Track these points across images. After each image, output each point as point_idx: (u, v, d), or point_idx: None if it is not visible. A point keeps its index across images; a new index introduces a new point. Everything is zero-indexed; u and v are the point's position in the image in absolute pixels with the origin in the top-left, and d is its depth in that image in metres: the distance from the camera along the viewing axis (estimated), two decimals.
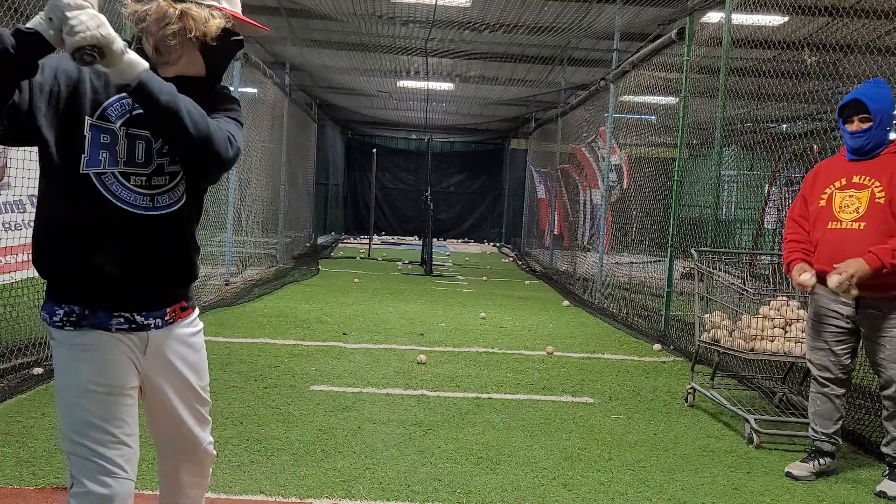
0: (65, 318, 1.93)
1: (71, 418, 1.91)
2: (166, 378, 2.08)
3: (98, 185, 1.90)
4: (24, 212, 5.60)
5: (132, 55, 1.77)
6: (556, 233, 14.86)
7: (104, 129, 1.91)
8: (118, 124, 1.93)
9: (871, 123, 3.70)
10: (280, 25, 11.35)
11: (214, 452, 2.28)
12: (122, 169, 1.92)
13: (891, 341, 3.64)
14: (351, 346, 6.49)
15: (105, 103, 1.93)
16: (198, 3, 1.97)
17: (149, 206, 1.95)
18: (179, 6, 1.94)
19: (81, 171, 1.89)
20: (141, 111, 1.90)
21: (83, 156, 1.89)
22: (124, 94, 1.93)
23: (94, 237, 1.91)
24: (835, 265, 3.64)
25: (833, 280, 3.58)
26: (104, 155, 1.91)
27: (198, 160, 1.93)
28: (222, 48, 2.03)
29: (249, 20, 2.08)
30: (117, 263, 1.93)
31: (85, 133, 1.89)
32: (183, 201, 2.02)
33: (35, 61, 1.72)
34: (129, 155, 1.93)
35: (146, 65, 1.81)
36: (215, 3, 2.01)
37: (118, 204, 1.91)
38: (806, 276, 3.82)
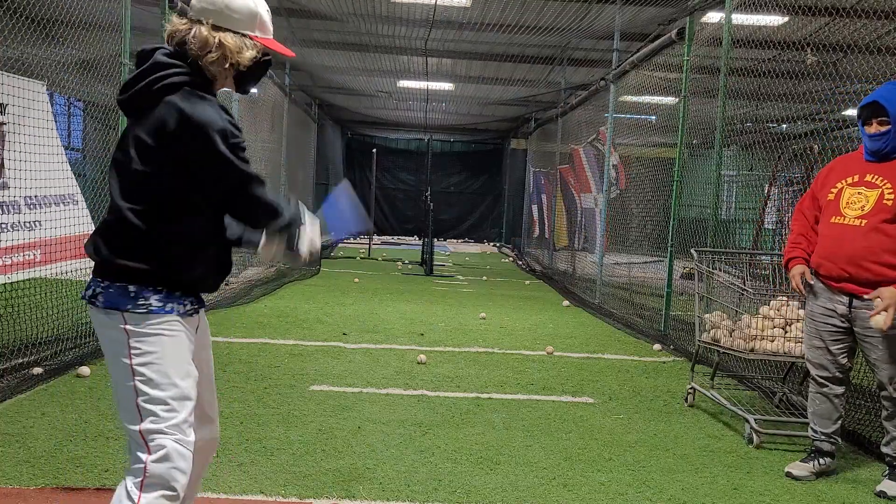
0: (178, 304, 2.18)
1: (163, 393, 2.11)
2: (205, 350, 2.38)
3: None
4: (19, 213, 5.60)
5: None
6: (545, 236, 14.89)
7: None
8: None
9: (889, 126, 3.65)
10: (280, 25, 11.34)
11: (218, 438, 2.54)
12: None
13: (883, 342, 3.64)
14: (351, 346, 6.49)
15: None
16: (234, 32, 2.18)
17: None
18: (218, 35, 2.15)
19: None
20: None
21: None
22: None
23: (216, 245, 2.28)
24: (869, 296, 3.60)
25: (879, 321, 3.53)
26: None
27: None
28: (252, 71, 2.27)
29: (279, 47, 2.31)
30: (225, 268, 2.32)
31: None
32: None
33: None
34: None
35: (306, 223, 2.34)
36: (250, 33, 2.22)
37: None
38: (800, 282, 3.87)
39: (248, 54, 2.20)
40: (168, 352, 2.14)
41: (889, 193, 3.64)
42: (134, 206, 2.11)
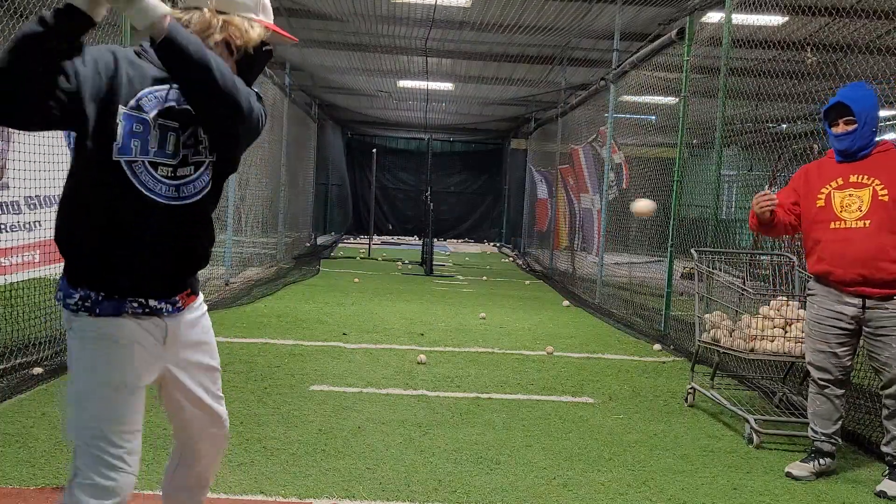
0: (80, 303, 1.96)
1: (83, 411, 1.96)
2: (186, 364, 2.15)
3: (128, 173, 1.94)
4: (19, 213, 5.59)
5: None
6: (549, 230, 14.84)
7: (137, 118, 1.96)
8: (152, 115, 1.97)
9: (856, 125, 3.72)
10: (280, 25, 11.30)
11: (228, 426, 2.34)
12: (151, 158, 1.97)
13: None
14: (351, 346, 6.49)
15: (140, 93, 1.97)
16: (238, 15, 2.07)
17: (174, 195, 2.01)
18: (222, 17, 2.04)
19: (113, 159, 1.93)
20: (173, 103, 1.98)
21: (115, 143, 1.93)
22: (158, 87, 1.99)
23: (121, 223, 1.96)
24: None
25: None
26: (136, 144, 1.95)
27: (222, 114, 1.95)
28: (256, 58, 2.13)
29: (282, 32, 2.20)
30: (139, 250, 1.98)
31: (118, 121, 1.94)
32: (206, 192, 2.08)
33: (77, 36, 1.79)
34: (160, 145, 1.99)
35: (168, 10, 1.82)
36: (253, 16, 2.11)
37: (145, 193, 1.96)
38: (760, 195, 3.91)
39: (257, 32, 2.09)
40: (97, 362, 1.97)
41: (881, 189, 3.67)
42: (64, 196, 2.02)
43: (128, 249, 1.97)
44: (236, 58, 2.09)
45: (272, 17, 2.22)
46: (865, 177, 3.73)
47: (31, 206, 5.68)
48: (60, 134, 6.11)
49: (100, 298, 1.96)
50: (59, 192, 6.27)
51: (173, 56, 1.83)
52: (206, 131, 2.04)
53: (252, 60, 2.12)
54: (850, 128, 3.73)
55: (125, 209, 1.95)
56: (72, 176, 2.00)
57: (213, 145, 2.07)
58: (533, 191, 17.62)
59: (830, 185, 3.83)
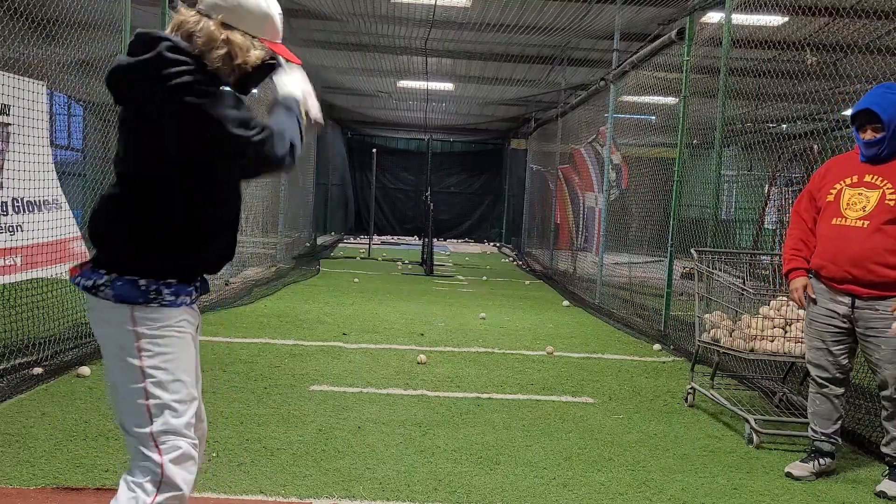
0: (154, 294, 2.09)
1: (174, 392, 2.09)
2: (198, 345, 2.31)
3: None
4: (6, 214, 5.57)
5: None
6: (557, 223, 14.77)
7: None
8: None
9: (884, 133, 3.65)
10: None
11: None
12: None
13: (886, 341, 3.64)
14: (351, 346, 6.49)
15: None
16: (243, 32, 2.11)
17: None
18: (226, 32, 2.08)
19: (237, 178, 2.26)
20: None
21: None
22: None
23: (225, 230, 2.26)
24: (893, 309, 3.58)
25: None
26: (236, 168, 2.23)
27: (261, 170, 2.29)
28: (255, 73, 2.20)
29: (287, 53, 2.24)
30: (225, 253, 2.28)
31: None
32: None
33: None
34: None
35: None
36: (259, 35, 2.15)
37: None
38: (802, 296, 3.90)
39: (256, 54, 2.14)
40: (178, 352, 2.11)
41: (891, 194, 3.63)
42: (142, 195, 2.09)
43: (219, 252, 2.26)
44: (238, 74, 2.16)
45: (280, 35, 2.23)
46: (880, 179, 3.70)
47: (18, 210, 5.66)
48: (46, 135, 6.09)
49: (195, 286, 2.20)
50: (46, 196, 6.24)
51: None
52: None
53: (252, 75, 2.20)
54: (879, 135, 3.67)
55: (233, 219, 2.27)
56: (195, 192, 2.11)
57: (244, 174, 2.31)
58: (537, 190, 17.57)
59: (844, 182, 3.80)
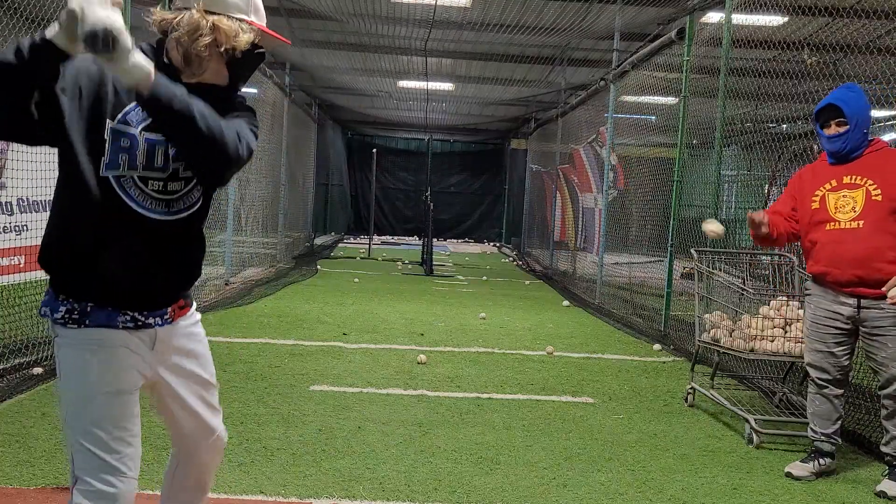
0: (67, 315, 1.94)
1: (79, 418, 1.94)
2: (175, 371, 2.12)
3: (117, 189, 1.93)
4: (10, 214, 5.57)
5: (138, 56, 1.74)
6: (556, 234, 14.82)
7: (124, 133, 1.93)
8: (138, 129, 1.95)
9: (847, 127, 3.72)
10: (280, 25, 11.35)
11: (225, 439, 2.33)
12: (140, 173, 1.95)
13: (893, 339, 3.64)
14: (351, 346, 6.49)
15: (127, 108, 1.95)
16: (228, 16, 2.01)
17: (164, 210, 1.99)
18: (211, 18, 1.98)
19: (101, 174, 1.91)
20: None
21: (103, 159, 1.91)
22: None
23: (109, 239, 1.94)
24: (885, 287, 3.57)
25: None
26: (123, 158, 1.93)
27: (208, 162, 1.93)
28: (247, 60, 2.08)
29: (275, 34, 2.13)
30: (129, 265, 1.96)
31: (105, 136, 1.91)
32: (196, 206, 2.06)
33: (52, 69, 1.74)
34: (148, 160, 1.95)
35: (152, 68, 1.78)
36: (244, 17, 2.05)
37: (135, 208, 1.94)
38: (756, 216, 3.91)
39: (245, 37, 2.01)
40: (87, 371, 1.94)
41: (874, 189, 3.67)
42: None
43: (118, 264, 1.94)
44: (226, 60, 2.03)
45: (265, 19, 2.15)
46: (858, 177, 3.74)
47: (23, 210, 5.66)
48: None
49: (88, 310, 1.94)
50: (48, 196, 6.24)
51: (158, 111, 1.82)
52: (191, 172, 2.01)
53: (242, 63, 2.07)
54: (842, 129, 3.74)
55: (114, 224, 1.93)
56: (61, 189, 1.96)
57: (200, 180, 2.04)
58: (537, 189, 17.56)
59: (824, 188, 3.84)
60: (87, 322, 1.94)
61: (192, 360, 2.17)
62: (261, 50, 2.12)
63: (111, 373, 1.96)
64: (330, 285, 10.86)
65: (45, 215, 6.00)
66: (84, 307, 1.94)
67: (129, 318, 1.98)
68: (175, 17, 1.98)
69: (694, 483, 3.69)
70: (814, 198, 3.86)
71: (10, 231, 5.62)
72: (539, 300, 10.58)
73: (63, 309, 1.94)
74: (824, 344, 3.86)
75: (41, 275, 5.71)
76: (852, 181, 3.75)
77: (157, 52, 2.02)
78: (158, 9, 2.03)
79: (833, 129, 3.77)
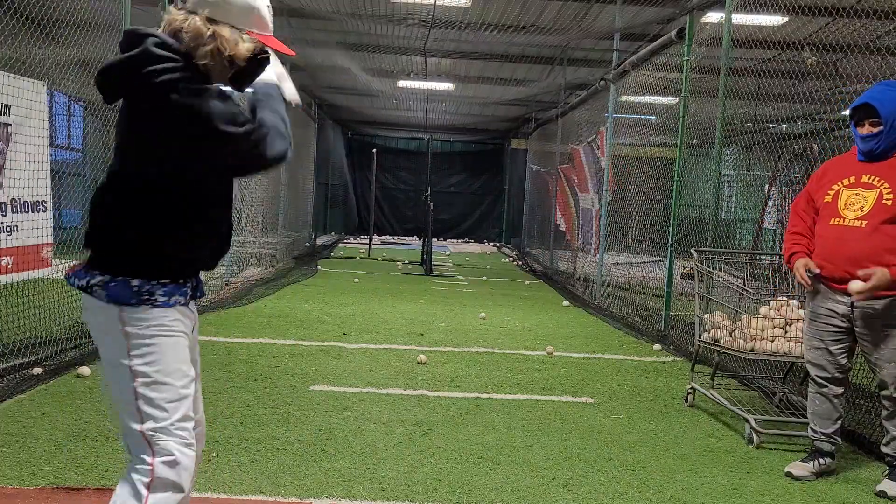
0: (159, 296, 2.10)
1: (165, 391, 2.10)
2: (196, 349, 2.32)
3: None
4: (4, 214, 5.57)
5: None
6: (561, 229, 14.78)
7: None
8: None
9: (881, 127, 3.66)
10: (280, 25, 11.35)
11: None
12: None
13: (886, 340, 3.64)
14: (351, 346, 6.49)
15: None
16: (230, 26, 2.10)
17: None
18: (213, 27, 2.07)
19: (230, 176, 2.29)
20: None
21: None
22: None
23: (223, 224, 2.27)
24: (859, 271, 3.57)
25: (856, 286, 3.55)
26: None
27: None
28: (248, 68, 2.18)
29: (278, 44, 2.21)
30: (214, 247, 2.27)
31: None
32: None
33: None
34: None
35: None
36: (247, 28, 2.13)
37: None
38: (805, 274, 3.83)
39: (245, 47, 2.11)
40: (168, 352, 2.10)
41: (888, 193, 3.64)
42: (134, 195, 2.08)
43: (223, 240, 2.27)
44: (229, 69, 2.15)
45: (271, 28, 2.21)
46: (876, 178, 3.70)
47: (15, 210, 5.65)
48: (46, 134, 6.06)
49: (189, 286, 2.20)
50: (37, 197, 6.24)
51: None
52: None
53: (245, 70, 2.18)
54: (876, 129, 3.67)
55: (227, 215, 2.27)
56: (163, 185, 2.09)
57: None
58: (538, 189, 17.55)
59: (842, 182, 3.81)
60: (170, 302, 2.13)
61: (196, 348, 2.34)
62: (264, 56, 2.19)
63: (184, 350, 2.18)
64: (330, 285, 10.86)
65: (39, 216, 6.01)
66: (159, 286, 2.11)
67: (189, 285, 2.21)
68: (184, 20, 2.07)
69: (694, 483, 3.69)
70: (829, 191, 3.84)
71: (3, 231, 5.62)
72: (539, 300, 10.58)
73: (160, 290, 2.10)
74: (821, 341, 3.86)
75: (30, 275, 5.71)
76: (870, 181, 3.72)
77: (184, 57, 2.09)
78: (173, 9, 2.12)
79: (867, 129, 3.71)
